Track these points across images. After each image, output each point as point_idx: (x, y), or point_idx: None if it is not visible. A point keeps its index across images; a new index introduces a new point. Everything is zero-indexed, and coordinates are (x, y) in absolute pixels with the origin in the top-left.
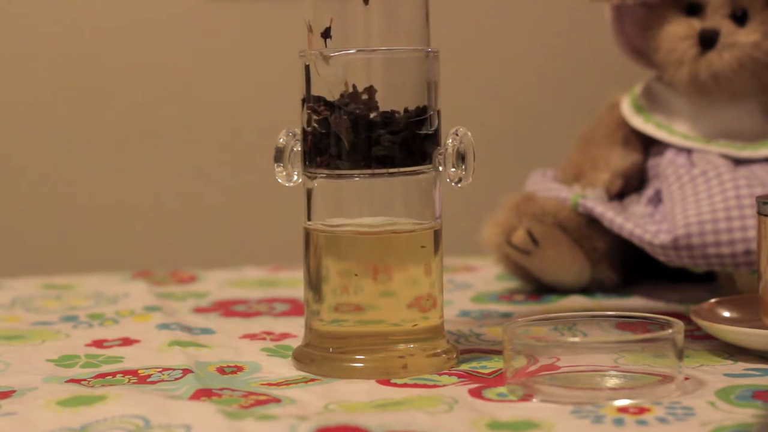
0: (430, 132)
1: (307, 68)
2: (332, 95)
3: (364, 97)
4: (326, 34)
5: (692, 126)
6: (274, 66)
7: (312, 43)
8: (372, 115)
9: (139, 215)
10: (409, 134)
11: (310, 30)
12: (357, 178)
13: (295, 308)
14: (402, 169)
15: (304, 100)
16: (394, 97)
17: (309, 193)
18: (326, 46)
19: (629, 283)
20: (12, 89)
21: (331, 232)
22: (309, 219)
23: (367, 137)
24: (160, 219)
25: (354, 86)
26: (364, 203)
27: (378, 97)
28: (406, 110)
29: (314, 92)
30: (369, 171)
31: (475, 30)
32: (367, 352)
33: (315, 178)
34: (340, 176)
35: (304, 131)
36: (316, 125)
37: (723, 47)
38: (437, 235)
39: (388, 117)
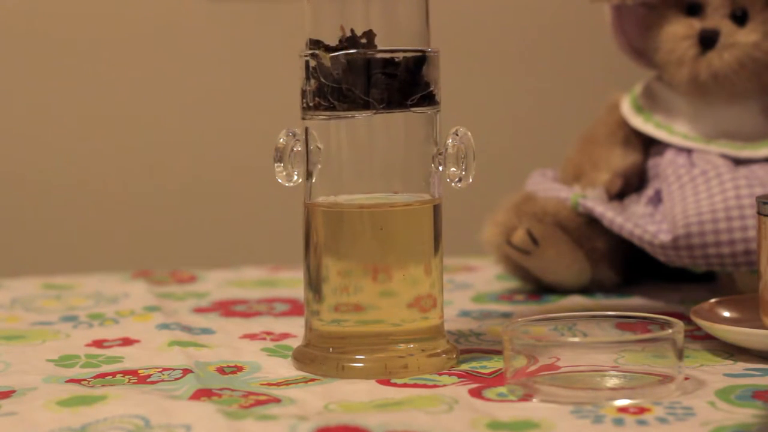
0: (428, 79)
1: (306, 63)
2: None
3: (363, 40)
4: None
5: (692, 126)
6: (274, 66)
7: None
8: (370, 57)
9: (139, 215)
10: (408, 76)
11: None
12: (355, 117)
13: (295, 308)
14: (401, 110)
15: (306, 45)
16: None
17: (309, 174)
18: (328, 64)
19: (629, 283)
20: (12, 89)
21: (330, 206)
22: (309, 198)
23: (365, 78)
24: (160, 219)
25: (352, 30)
26: (363, 178)
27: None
28: (403, 52)
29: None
30: (368, 112)
31: (475, 30)
32: (367, 352)
33: (313, 119)
34: (338, 117)
35: (305, 72)
36: (313, 68)
37: (723, 47)
38: (437, 211)
39: (387, 60)
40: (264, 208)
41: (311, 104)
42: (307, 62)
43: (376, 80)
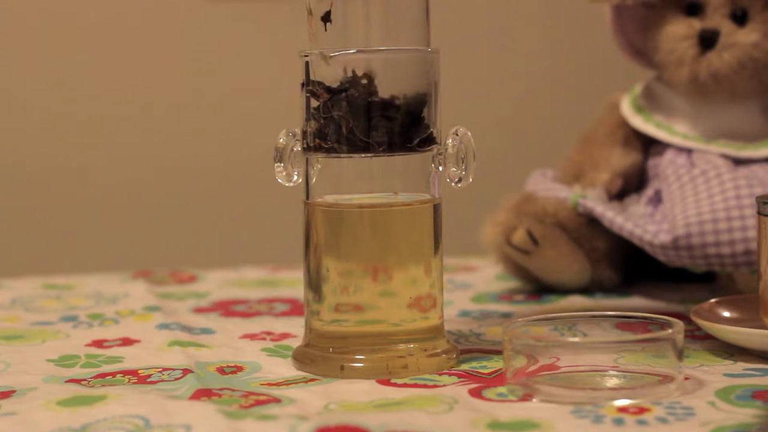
0: (428, 121)
1: (306, 63)
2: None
3: (364, 82)
4: (326, 17)
5: (692, 126)
6: (274, 66)
7: (311, 26)
8: (370, 100)
9: (139, 215)
10: (408, 119)
11: (310, 13)
12: (354, 158)
13: (295, 308)
14: (400, 154)
15: (303, 84)
16: (394, 85)
17: (307, 175)
18: (326, 30)
19: (629, 283)
20: (12, 89)
21: (330, 206)
22: (308, 198)
23: (366, 122)
24: (160, 219)
25: (353, 71)
26: (363, 179)
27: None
28: (405, 96)
29: (314, 77)
30: (368, 155)
31: (475, 30)
32: (367, 352)
33: (315, 162)
34: (338, 159)
35: (306, 112)
36: (314, 110)
37: (723, 47)
38: (437, 211)
39: (387, 102)
40: (264, 207)
41: (312, 145)
42: (307, 102)
43: (377, 122)
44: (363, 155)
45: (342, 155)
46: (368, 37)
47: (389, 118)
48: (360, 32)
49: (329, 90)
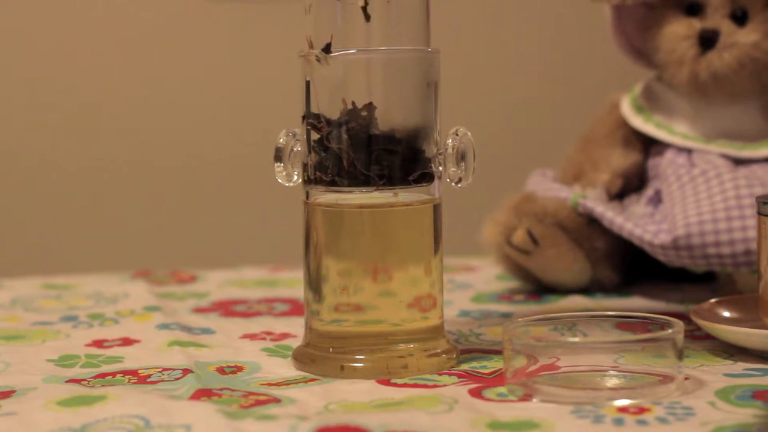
0: (429, 152)
1: (307, 84)
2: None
3: (364, 113)
4: (327, 49)
5: (692, 126)
6: (274, 66)
7: (311, 61)
8: (371, 133)
9: (139, 215)
10: (409, 153)
11: (311, 46)
12: (355, 194)
13: (295, 308)
14: (401, 188)
15: (304, 117)
16: (393, 112)
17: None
18: (328, 63)
19: (629, 283)
20: (12, 89)
21: (330, 206)
22: (308, 198)
23: (367, 155)
24: (160, 219)
25: (353, 103)
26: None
27: (378, 113)
28: (405, 129)
29: (314, 109)
30: (369, 188)
31: (475, 30)
32: (367, 352)
33: (315, 194)
34: (339, 192)
35: (306, 145)
36: (315, 142)
37: (723, 47)
38: (437, 211)
39: (388, 135)
40: (264, 208)
41: (312, 177)
42: (308, 135)
43: (378, 156)
44: (364, 189)
45: (343, 189)
46: (368, 38)
47: (390, 151)
48: (360, 32)
49: (330, 122)
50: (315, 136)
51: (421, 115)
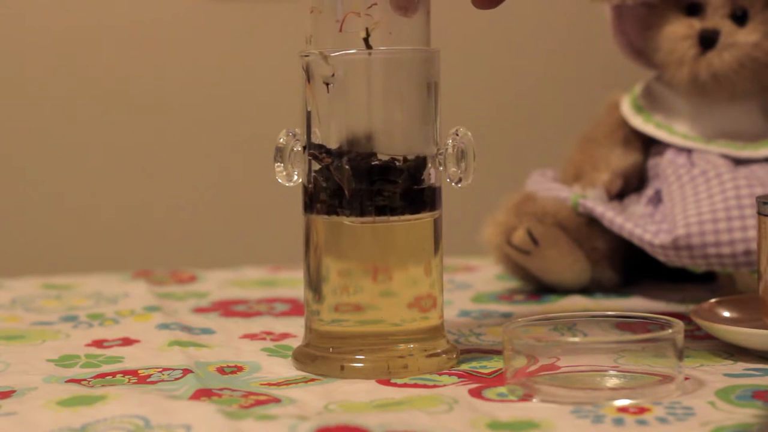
0: (429, 182)
1: (308, 115)
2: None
3: (364, 143)
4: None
5: (692, 126)
6: (274, 66)
7: (310, 89)
8: (372, 164)
9: (139, 215)
10: (410, 182)
11: (308, 80)
12: (356, 224)
13: (295, 308)
14: (402, 218)
15: (305, 147)
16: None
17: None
18: (328, 92)
19: (629, 283)
20: (12, 89)
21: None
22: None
23: (368, 185)
24: (160, 219)
25: (353, 134)
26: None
27: (377, 144)
28: (405, 159)
29: (314, 140)
30: (369, 219)
31: (475, 30)
32: (368, 352)
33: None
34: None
35: (308, 176)
36: (316, 172)
37: (723, 47)
38: (437, 225)
39: (389, 165)
40: (264, 208)
41: (312, 206)
42: (309, 164)
43: (380, 186)
44: (364, 219)
45: (344, 218)
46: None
47: (391, 181)
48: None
49: (331, 153)
50: (316, 166)
51: (422, 143)
